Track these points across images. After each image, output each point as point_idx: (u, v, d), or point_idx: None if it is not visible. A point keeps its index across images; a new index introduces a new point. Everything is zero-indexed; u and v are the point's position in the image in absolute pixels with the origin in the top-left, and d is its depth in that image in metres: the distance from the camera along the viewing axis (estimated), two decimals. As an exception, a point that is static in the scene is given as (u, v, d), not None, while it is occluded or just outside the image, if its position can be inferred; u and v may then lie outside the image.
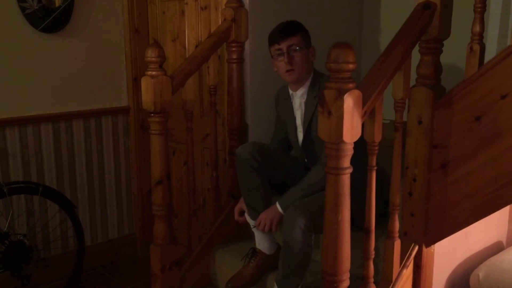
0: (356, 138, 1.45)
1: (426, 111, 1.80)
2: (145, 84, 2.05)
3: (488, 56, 2.41)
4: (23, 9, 2.79)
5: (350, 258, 1.55)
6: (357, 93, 1.41)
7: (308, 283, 2.07)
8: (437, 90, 1.80)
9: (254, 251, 2.27)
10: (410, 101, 1.83)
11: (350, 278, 1.58)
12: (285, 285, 2.02)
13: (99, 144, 3.24)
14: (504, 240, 2.63)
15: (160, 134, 2.11)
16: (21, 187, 2.72)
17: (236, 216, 2.37)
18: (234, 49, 2.50)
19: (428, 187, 1.86)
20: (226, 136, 2.64)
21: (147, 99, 2.06)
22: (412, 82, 1.83)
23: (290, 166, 2.30)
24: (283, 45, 2.13)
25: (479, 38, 2.42)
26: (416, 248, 1.92)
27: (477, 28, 2.41)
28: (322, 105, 1.40)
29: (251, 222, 2.27)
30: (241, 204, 2.33)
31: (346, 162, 1.45)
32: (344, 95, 1.37)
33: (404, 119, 1.81)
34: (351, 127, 1.41)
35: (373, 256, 1.77)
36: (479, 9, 2.39)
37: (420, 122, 1.82)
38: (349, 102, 1.38)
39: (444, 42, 1.83)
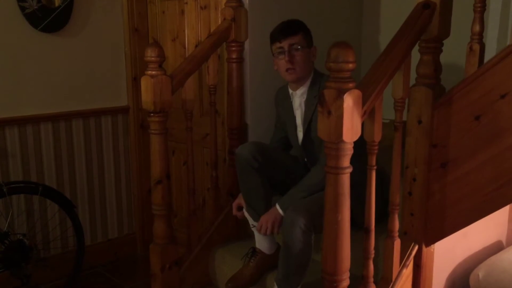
0: (356, 138, 1.45)
1: (425, 111, 1.80)
2: (145, 83, 2.05)
3: (487, 56, 2.41)
4: (22, 8, 2.79)
5: (350, 258, 1.55)
6: (357, 92, 1.41)
7: (308, 282, 2.07)
8: (436, 90, 1.80)
9: (254, 251, 2.27)
10: (410, 100, 1.83)
11: (350, 278, 1.57)
12: (285, 285, 2.02)
13: (99, 144, 3.24)
14: (503, 240, 2.63)
15: (159, 133, 2.11)
16: (20, 186, 2.72)
17: (235, 211, 2.37)
18: (233, 48, 2.50)
19: (428, 187, 1.86)
20: (225, 135, 2.64)
21: (146, 98, 2.06)
22: (412, 81, 1.83)
23: (290, 165, 2.31)
24: (285, 44, 2.13)
25: (479, 37, 2.42)
26: (416, 247, 1.92)
27: (477, 28, 2.41)
28: (322, 104, 1.40)
29: (250, 219, 2.28)
30: (239, 200, 2.33)
31: (346, 161, 1.45)
32: (343, 94, 1.37)
33: (404, 118, 1.81)
34: (351, 127, 1.41)
35: (373, 256, 1.77)
36: (478, 9, 2.40)
37: (419, 122, 1.82)
38: (349, 101, 1.38)
39: (444, 41, 1.83)
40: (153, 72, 2.04)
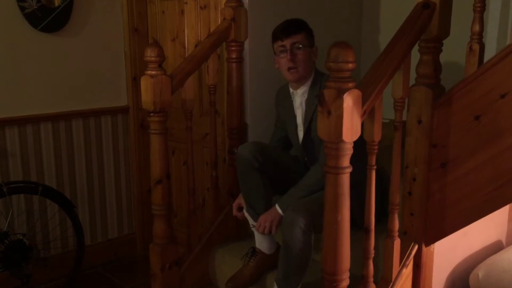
0: (355, 138, 1.45)
1: (425, 111, 1.80)
2: (145, 83, 2.05)
3: (487, 55, 2.41)
4: (22, 8, 2.79)
5: (350, 258, 1.55)
6: (356, 92, 1.41)
7: (308, 282, 2.07)
8: (436, 90, 1.80)
9: (254, 251, 2.27)
10: (410, 100, 1.83)
11: (350, 278, 1.57)
12: (285, 285, 2.02)
13: (99, 144, 3.24)
14: (503, 239, 2.63)
15: (159, 133, 2.11)
16: (20, 186, 2.72)
17: (235, 212, 2.37)
18: (233, 48, 2.50)
19: (428, 187, 1.86)
20: (225, 135, 2.64)
21: (146, 98, 2.06)
22: (412, 81, 1.83)
23: (290, 165, 2.31)
24: (287, 42, 2.13)
25: (479, 37, 2.42)
26: (416, 247, 1.92)
27: (477, 27, 2.41)
28: (322, 104, 1.40)
29: (250, 220, 2.28)
30: (240, 200, 2.33)
31: (346, 161, 1.45)
32: (343, 94, 1.37)
33: (404, 118, 1.81)
34: (351, 127, 1.41)
35: (372, 256, 1.77)
36: (478, 8, 2.40)
37: (419, 122, 1.82)
38: (349, 101, 1.38)
39: (444, 41, 1.83)
40: (153, 72, 2.04)
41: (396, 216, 1.84)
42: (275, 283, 2.05)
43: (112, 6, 3.16)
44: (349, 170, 1.47)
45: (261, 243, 2.26)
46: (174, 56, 3.07)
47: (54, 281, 3.02)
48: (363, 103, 1.46)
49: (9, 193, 2.62)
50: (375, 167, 1.68)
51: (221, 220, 2.53)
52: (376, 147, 1.66)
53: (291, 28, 2.15)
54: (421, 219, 1.89)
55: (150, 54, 2.02)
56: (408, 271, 1.93)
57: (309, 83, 2.20)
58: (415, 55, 1.78)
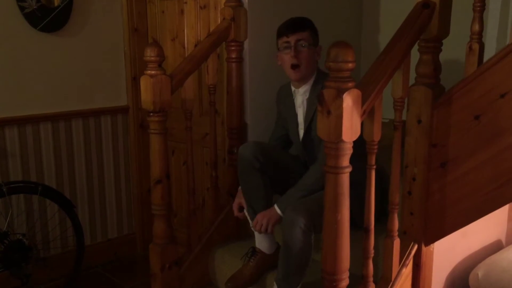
0: (355, 137, 1.45)
1: (425, 110, 1.80)
2: (144, 83, 2.05)
3: (487, 55, 2.41)
4: (22, 8, 2.79)
5: (350, 257, 1.55)
6: (356, 92, 1.41)
7: (308, 282, 2.07)
8: (436, 89, 1.80)
9: (254, 250, 2.27)
10: (409, 100, 1.83)
11: (350, 277, 1.57)
12: (285, 285, 2.02)
13: (99, 144, 3.24)
14: (503, 239, 2.63)
15: (159, 133, 2.11)
16: (20, 186, 2.72)
17: (236, 212, 2.36)
18: (233, 48, 2.50)
19: (428, 186, 1.86)
20: (225, 135, 2.64)
21: (146, 98, 2.06)
22: (412, 81, 1.83)
23: (291, 165, 2.30)
24: (292, 38, 2.13)
25: (478, 37, 2.42)
26: (416, 247, 1.92)
27: (476, 27, 2.41)
28: (321, 104, 1.40)
29: (250, 221, 2.27)
30: (240, 199, 2.33)
31: (346, 161, 1.45)
32: (343, 94, 1.37)
33: (404, 118, 1.81)
34: (350, 126, 1.41)
35: (372, 255, 1.77)
36: (478, 8, 2.40)
37: (419, 121, 1.82)
38: (348, 101, 1.38)
39: (443, 41, 1.83)
40: (153, 72, 2.04)
41: (395, 216, 1.84)
42: (275, 283, 2.05)
43: (112, 6, 3.16)
44: (349, 169, 1.47)
45: (261, 243, 2.26)
46: (174, 56, 3.07)
47: (54, 281, 3.02)
48: (363, 103, 1.46)
49: (9, 193, 2.62)
50: (374, 166, 1.68)
51: (221, 220, 2.53)
52: (375, 146, 1.66)
53: (297, 25, 2.15)
54: (420, 218, 1.89)
55: (150, 54, 2.02)
56: (407, 271, 1.93)
57: (311, 82, 2.20)
58: (414, 54, 1.78)
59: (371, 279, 1.79)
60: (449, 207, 1.84)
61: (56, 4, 2.90)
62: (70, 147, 3.12)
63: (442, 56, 1.84)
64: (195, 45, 2.87)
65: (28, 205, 2.97)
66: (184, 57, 2.87)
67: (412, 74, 1.81)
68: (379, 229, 1.88)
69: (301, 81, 2.20)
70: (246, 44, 2.52)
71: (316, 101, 2.13)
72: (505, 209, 2.59)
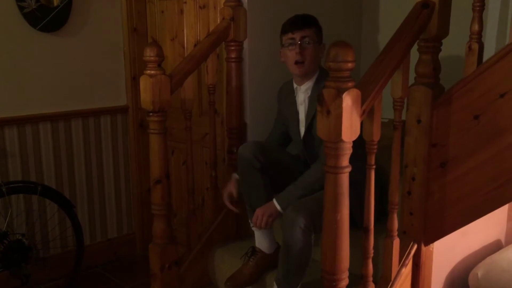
0: (355, 137, 1.45)
1: (425, 110, 1.80)
2: (144, 83, 2.05)
3: (486, 55, 2.41)
4: (21, 8, 2.79)
5: (349, 257, 1.55)
6: (356, 92, 1.41)
7: (308, 282, 2.07)
8: (436, 89, 1.80)
9: (254, 250, 2.27)
10: (409, 100, 1.83)
11: (349, 277, 1.58)
12: (284, 285, 2.02)
13: (98, 144, 3.24)
14: (503, 239, 2.63)
15: (159, 133, 2.11)
16: (19, 186, 2.72)
17: (228, 204, 2.34)
18: (233, 48, 2.50)
19: (427, 186, 1.86)
20: (225, 135, 2.64)
21: (146, 98, 2.06)
22: (411, 80, 1.83)
23: (291, 165, 2.30)
24: (297, 35, 2.13)
25: (478, 36, 2.42)
26: (415, 246, 1.92)
27: (476, 27, 2.41)
28: (321, 104, 1.40)
29: (250, 221, 2.27)
30: (231, 188, 2.32)
31: (345, 161, 1.45)
32: (343, 94, 1.37)
33: (403, 118, 1.81)
34: (350, 126, 1.41)
35: (372, 255, 1.77)
36: (477, 8, 2.40)
37: (419, 121, 1.82)
38: (348, 101, 1.38)
39: (443, 40, 1.83)
40: (152, 72, 2.04)
41: (395, 216, 1.84)
42: (274, 282, 2.05)
43: (111, 5, 3.16)
44: (349, 169, 1.47)
45: (261, 242, 2.26)
46: (173, 55, 3.07)
47: (53, 281, 3.02)
48: (363, 103, 1.46)
49: (8, 193, 2.62)
50: (374, 166, 1.68)
51: (221, 219, 2.53)
52: (375, 146, 1.66)
53: (302, 22, 2.15)
54: (420, 218, 1.89)
55: (149, 53, 2.02)
56: (407, 271, 1.93)
57: (313, 79, 2.20)
58: (414, 54, 1.78)
59: (371, 279, 1.79)
60: (448, 207, 1.84)
61: (55, 4, 2.90)
62: (70, 147, 3.11)
63: (442, 56, 1.84)
64: (195, 45, 2.87)
65: (28, 205, 2.96)
66: (183, 57, 2.87)
67: (412, 74, 1.81)
68: (379, 229, 1.88)
69: (304, 77, 2.19)
70: (245, 44, 2.52)
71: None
72: (504, 209, 2.59)
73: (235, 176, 2.33)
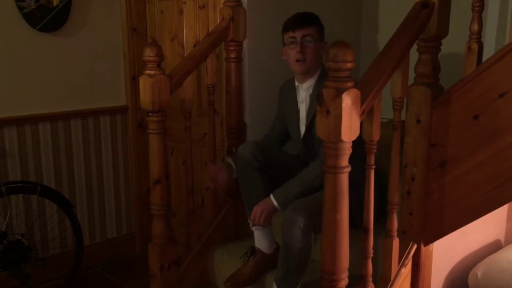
0: (354, 137, 1.45)
1: (424, 110, 1.80)
2: (143, 83, 2.05)
3: (486, 55, 2.41)
4: (21, 8, 2.79)
5: (349, 257, 1.55)
6: (355, 92, 1.41)
7: (307, 282, 2.07)
8: (435, 89, 1.80)
9: (253, 250, 2.27)
10: (409, 100, 1.83)
11: (349, 277, 1.57)
12: (284, 285, 2.02)
13: (97, 144, 3.23)
14: (502, 239, 2.64)
15: (158, 133, 2.10)
16: (19, 186, 2.72)
17: (211, 180, 2.36)
18: (232, 48, 2.50)
19: (427, 186, 1.86)
20: (224, 135, 2.64)
21: (145, 98, 2.06)
22: (411, 80, 1.83)
23: (291, 165, 2.29)
24: (298, 34, 2.13)
25: (477, 36, 2.42)
26: (415, 246, 1.92)
27: (475, 27, 2.41)
28: (321, 104, 1.40)
29: (250, 221, 2.27)
30: (218, 172, 2.33)
31: (345, 161, 1.45)
32: (342, 94, 1.37)
33: (403, 118, 1.81)
34: (349, 126, 1.41)
35: (371, 255, 1.77)
36: (477, 8, 2.40)
37: (418, 121, 1.82)
38: (348, 101, 1.38)
39: (443, 40, 1.83)
40: (152, 72, 2.04)
41: (395, 216, 1.84)
42: (274, 282, 2.05)
43: (111, 5, 3.16)
44: (348, 169, 1.46)
45: (260, 242, 2.26)
46: (173, 55, 3.07)
47: (53, 281, 3.02)
48: (362, 103, 1.46)
49: (8, 193, 2.62)
50: (374, 166, 1.68)
51: (220, 220, 2.53)
52: (374, 146, 1.66)
53: (303, 20, 2.15)
54: (420, 218, 1.89)
55: (149, 53, 2.02)
56: (407, 271, 1.93)
57: (315, 77, 2.19)
58: (414, 54, 1.78)
59: (370, 279, 1.79)
60: (448, 207, 1.84)
61: (55, 4, 2.90)
62: (69, 147, 3.11)
63: (441, 56, 1.84)
64: (194, 45, 2.87)
65: (27, 205, 2.96)
66: (183, 57, 2.87)
67: (411, 74, 1.81)
68: (378, 229, 1.88)
69: (306, 75, 2.19)
70: (245, 44, 2.52)
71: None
72: (504, 208, 2.59)
73: (228, 160, 2.34)
